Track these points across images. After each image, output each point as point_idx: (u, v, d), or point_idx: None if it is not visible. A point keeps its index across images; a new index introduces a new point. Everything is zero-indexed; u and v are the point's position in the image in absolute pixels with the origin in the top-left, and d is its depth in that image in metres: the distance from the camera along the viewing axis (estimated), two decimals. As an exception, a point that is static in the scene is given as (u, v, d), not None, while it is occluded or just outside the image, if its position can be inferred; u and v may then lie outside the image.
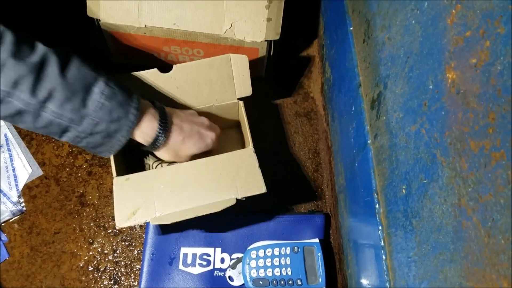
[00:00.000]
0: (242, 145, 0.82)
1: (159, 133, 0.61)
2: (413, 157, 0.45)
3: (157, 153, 0.66)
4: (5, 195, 0.77)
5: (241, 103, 0.73)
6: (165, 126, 0.62)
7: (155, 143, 0.62)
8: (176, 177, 0.65)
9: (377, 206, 0.53)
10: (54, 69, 0.53)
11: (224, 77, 0.70)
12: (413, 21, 0.45)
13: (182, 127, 0.65)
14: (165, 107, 0.64)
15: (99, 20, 0.74)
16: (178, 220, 0.62)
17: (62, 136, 0.56)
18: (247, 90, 0.72)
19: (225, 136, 0.83)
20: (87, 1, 0.73)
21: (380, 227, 0.53)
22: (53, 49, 0.55)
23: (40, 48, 0.53)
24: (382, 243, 0.52)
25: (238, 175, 0.66)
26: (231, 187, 0.65)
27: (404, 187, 0.47)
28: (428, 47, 0.42)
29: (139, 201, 0.64)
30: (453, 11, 0.37)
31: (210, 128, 0.69)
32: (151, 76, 0.67)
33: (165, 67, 0.70)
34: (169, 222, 0.62)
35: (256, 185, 0.65)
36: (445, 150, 0.39)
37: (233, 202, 0.64)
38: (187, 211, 0.63)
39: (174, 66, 0.67)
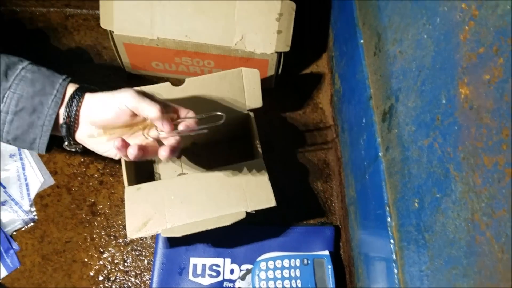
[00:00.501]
0: (252, 156, 0.82)
1: (73, 95, 0.54)
2: (426, 171, 0.45)
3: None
4: (17, 203, 0.78)
5: (251, 114, 0.74)
6: (82, 90, 0.55)
7: (69, 111, 0.53)
8: (186, 188, 0.66)
9: (389, 219, 0.53)
10: None
11: (235, 89, 0.71)
12: (425, 36, 0.46)
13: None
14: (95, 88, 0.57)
15: (112, 32, 0.75)
16: (189, 233, 0.62)
17: None
18: (258, 102, 0.73)
19: (234, 147, 0.84)
20: (100, 13, 0.74)
21: (392, 241, 0.52)
22: None
23: None
24: (394, 257, 0.52)
25: (248, 188, 0.66)
26: (241, 200, 0.65)
27: (416, 200, 0.47)
28: (441, 62, 0.43)
29: (150, 211, 0.64)
30: (466, 27, 0.38)
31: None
32: (163, 89, 0.68)
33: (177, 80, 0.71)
34: (179, 235, 0.62)
35: (266, 199, 0.65)
36: (458, 165, 0.39)
37: (243, 215, 0.64)
38: (198, 223, 0.64)
39: (187, 79, 0.68)
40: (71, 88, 0.54)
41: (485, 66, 0.35)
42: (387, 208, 0.54)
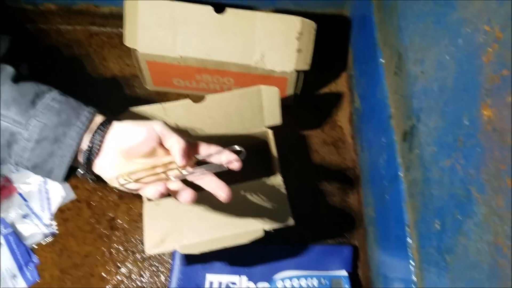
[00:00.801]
0: (269, 173, 0.82)
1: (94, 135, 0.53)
2: (448, 192, 0.45)
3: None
4: (38, 217, 0.79)
5: (270, 131, 0.74)
6: (108, 122, 0.54)
7: (92, 142, 0.52)
8: (204, 205, 0.66)
9: (409, 240, 0.53)
10: (6, 76, 0.52)
11: (254, 107, 0.71)
12: (447, 57, 0.46)
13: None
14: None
15: (136, 50, 0.77)
16: (206, 250, 0.62)
17: (11, 152, 0.51)
18: (276, 120, 0.73)
19: (252, 163, 0.84)
20: (124, 32, 0.76)
21: (412, 262, 0.52)
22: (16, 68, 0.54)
23: (5, 64, 0.53)
24: (414, 279, 0.51)
25: (266, 205, 0.66)
26: (259, 218, 0.65)
27: (437, 222, 0.46)
28: (463, 83, 0.43)
29: (168, 227, 0.65)
30: (489, 49, 0.38)
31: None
32: (184, 105, 0.69)
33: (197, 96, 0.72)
34: (197, 252, 0.63)
35: (284, 218, 0.65)
36: (481, 187, 0.39)
37: (261, 234, 0.64)
38: (215, 241, 0.64)
39: (207, 96, 0.69)
40: (98, 119, 0.54)
41: (509, 88, 0.35)
42: (408, 229, 0.54)
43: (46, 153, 0.52)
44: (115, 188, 0.54)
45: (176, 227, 0.65)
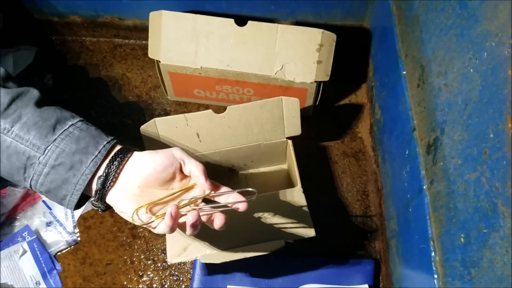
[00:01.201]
0: (289, 184, 0.82)
1: (109, 167, 0.52)
2: (473, 206, 0.44)
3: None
4: (61, 225, 0.81)
5: (290, 142, 0.75)
6: (120, 160, 0.53)
7: (108, 171, 0.52)
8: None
9: (433, 254, 0.52)
10: (31, 99, 0.52)
11: (275, 117, 0.72)
12: (471, 70, 0.46)
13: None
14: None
15: (159, 61, 0.78)
16: (227, 260, 0.62)
17: (26, 176, 0.51)
18: (296, 130, 0.74)
19: (273, 173, 0.85)
20: (149, 44, 0.77)
21: (435, 276, 0.51)
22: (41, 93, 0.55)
23: (30, 87, 0.54)
24: (438, 293, 0.50)
25: (287, 216, 0.66)
26: (280, 229, 0.65)
27: (462, 235, 0.46)
28: (488, 96, 0.42)
29: (190, 237, 0.65)
30: (516, 62, 0.38)
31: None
32: (206, 116, 0.70)
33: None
34: (218, 261, 0.63)
35: (305, 229, 0.65)
36: (507, 200, 0.38)
37: (282, 244, 0.64)
38: (236, 251, 0.64)
39: (228, 107, 0.70)
40: (117, 149, 0.54)
41: (537, 102, 0.35)
42: (431, 242, 0.53)
43: (61, 179, 0.51)
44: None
45: (198, 236, 0.65)
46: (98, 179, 0.52)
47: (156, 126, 0.69)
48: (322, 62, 0.77)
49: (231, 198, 0.55)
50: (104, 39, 0.98)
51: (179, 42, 0.77)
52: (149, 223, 0.53)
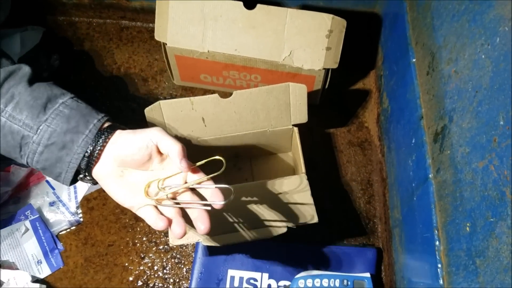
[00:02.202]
0: (294, 171, 0.82)
1: (100, 134, 0.53)
2: (480, 194, 0.43)
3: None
4: (64, 205, 0.81)
5: (296, 129, 0.74)
6: (111, 128, 0.54)
7: (93, 150, 0.53)
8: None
9: (437, 243, 0.52)
10: (23, 77, 0.53)
11: (281, 104, 0.71)
12: (483, 56, 0.45)
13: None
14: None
15: (166, 44, 0.77)
16: (229, 243, 0.62)
17: (22, 154, 0.53)
18: (303, 118, 0.73)
19: (278, 161, 0.84)
20: (155, 26, 0.77)
21: (439, 265, 0.51)
22: (33, 69, 0.55)
23: (22, 64, 0.55)
24: (441, 282, 0.50)
25: (290, 202, 0.66)
26: (283, 214, 0.65)
27: (468, 224, 0.45)
28: (499, 82, 0.41)
29: None
30: (530, 47, 0.37)
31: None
32: (212, 100, 0.69)
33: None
34: (219, 244, 0.63)
35: (308, 215, 0.65)
36: (515, 189, 0.38)
37: (284, 230, 0.64)
38: (238, 235, 0.64)
39: (234, 92, 0.69)
40: (105, 126, 0.55)
41: (550, 87, 0.34)
42: (436, 231, 0.52)
43: (54, 158, 0.52)
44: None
45: None
46: (83, 158, 0.53)
47: (161, 109, 0.69)
48: (331, 49, 0.76)
49: (208, 193, 0.54)
50: (110, 21, 0.97)
51: (186, 25, 0.76)
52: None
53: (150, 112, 0.68)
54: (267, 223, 0.65)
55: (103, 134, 0.53)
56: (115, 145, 0.53)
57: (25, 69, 0.55)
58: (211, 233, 0.64)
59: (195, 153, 0.77)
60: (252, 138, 0.76)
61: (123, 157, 0.53)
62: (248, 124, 0.73)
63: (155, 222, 0.51)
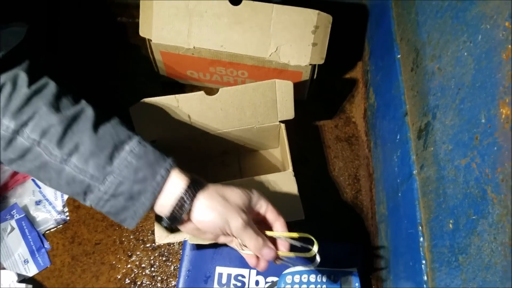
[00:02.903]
0: (282, 168, 0.82)
1: (182, 202, 0.52)
2: (462, 192, 0.44)
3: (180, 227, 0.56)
4: (50, 204, 0.80)
5: (283, 125, 0.74)
6: (192, 194, 0.52)
7: (175, 215, 0.52)
8: None
9: (421, 239, 0.52)
10: (86, 123, 0.50)
11: (268, 100, 0.71)
12: (465, 53, 0.45)
13: (212, 199, 0.54)
14: (203, 180, 0.55)
15: (150, 40, 0.77)
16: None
17: (86, 198, 0.52)
18: (290, 114, 0.73)
19: (265, 157, 0.84)
20: (140, 22, 0.76)
21: (423, 261, 0.51)
22: (93, 106, 0.52)
23: (81, 103, 0.52)
24: (425, 278, 0.50)
25: (277, 199, 0.66)
26: None
27: (451, 221, 0.46)
28: (481, 80, 0.42)
29: None
30: (509, 46, 0.37)
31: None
32: (197, 97, 0.69)
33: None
34: (206, 242, 0.62)
35: (294, 211, 0.65)
36: (496, 187, 0.38)
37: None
38: None
39: (220, 89, 0.69)
40: (175, 178, 0.53)
41: (529, 86, 0.34)
42: (420, 227, 0.53)
43: (120, 206, 0.52)
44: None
45: None
46: (165, 218, 0.53)
47: (146, 107, 0.68)
48: (317, 44, 0.75)
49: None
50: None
51: (171, 21, 0.75)
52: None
53: (134, 110, 0.68)
54: None
55: (186, 199, 0.52)
56: (199, 216, 0.53)
57: (89, 112, 0.52)
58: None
59: (182, 150, 0.77)
60: (239, 135, 0.76)
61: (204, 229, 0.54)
62: (235, 121, 0.73)
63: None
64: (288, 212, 0.65)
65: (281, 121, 0.74)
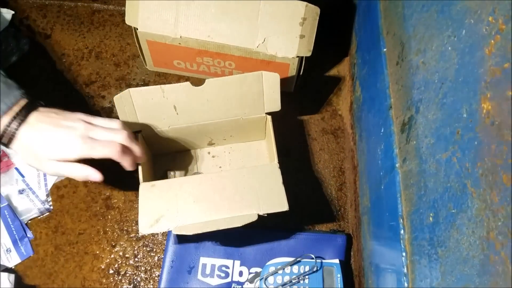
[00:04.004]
0: (268, 159, 0.82)
1: (9, 123, 0.56)
2: (443, 185, 0.44)
3: (14, 151, 0.61)
4: (34, 193, 0.79)
5: (269, 117, 0.74)
6: (21, 117, 0.57)
7: (4, 136, 0.56)
8: (200, 188, 0.66)
9: (402, 231, 0.53)
10: None
11: (254, 92, 0.71)
12: (449, 48, 0.45)
13: (42, 121, 0.58)
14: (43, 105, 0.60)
15: (137, 29, 0.76)
16: (199, 232, 0.62)
17: None
18: (276, 106, 0.73)
19: (252, 149, 0.84)
20: (126, 10, 0.75)
21: (404, 254, 0.52)
22: None
23: None
24: (405, 270, 0.51)
25: (261, 190, 0.66)
26: (254, 202, 0.65)
27: (431, 214, 0.46)
28: (464, 75, 0.42)
29: (163, 208, 0.64)
30: (492, 41, 0.37)
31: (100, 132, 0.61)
32: (183, 88, 0.68)
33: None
34: (190, 233, 0.63)
35: (278, 202, 0.65)
36: (476, 181, 0.38)
37: (255, 218, 0.64)
38: (209, 223, 0.64)
39: (206, 80, 0.68)
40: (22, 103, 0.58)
41: (509, 82, 0.34)
42: (401, 220, 0.53)
43: None
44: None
45: (171, 208, 0.65)
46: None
47: (131, 97, 0.68)
48: (305, 36, 0.75)
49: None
50: (82, 4, 0.95)
51: (158, 9, 0.75)
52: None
53: (119, 99, 0.67)
54: (238, 211, 0.65)
55: (16, 117, 0.56)
56: (31, 141, 0.58)
57: None
58: (181, 222, 0.64)
59: (168, 141, 0.76)
60: (225, 126, 0.75)
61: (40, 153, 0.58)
62: (221, 112, 0.72)
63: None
64: (272, 203, 0.65)
65: (268, 113, 0.74)
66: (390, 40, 0.63)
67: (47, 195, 0.79)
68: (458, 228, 0.41)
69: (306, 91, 0.90)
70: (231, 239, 0.74)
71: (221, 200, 0.65)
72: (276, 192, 0.66)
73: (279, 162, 0.69)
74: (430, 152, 0.47)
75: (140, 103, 0.68)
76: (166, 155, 0.82)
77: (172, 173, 0.80)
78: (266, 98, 0.72)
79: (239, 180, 0.67)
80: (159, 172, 0.80)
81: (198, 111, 0.71)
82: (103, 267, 0.75)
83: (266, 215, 0.64)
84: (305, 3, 0.73)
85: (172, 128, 0.72)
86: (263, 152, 0.83)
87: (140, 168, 0.68)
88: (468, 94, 0.41)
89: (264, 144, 0.84)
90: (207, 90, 0.69)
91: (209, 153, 0.83)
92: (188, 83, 0.68)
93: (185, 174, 0.81)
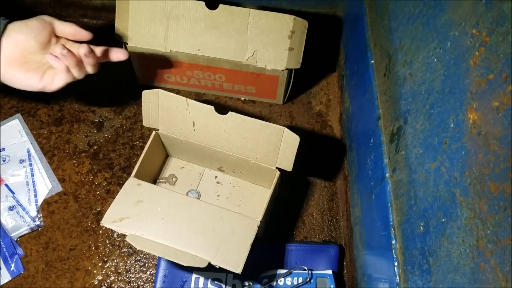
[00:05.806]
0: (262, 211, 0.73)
1: None
2: (432, 195, 0.45)
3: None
4: (24, 209, 0.79)
5: (278, 173, 0.70)
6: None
7: None
8: (177, 209, 0.65)
9: (393, 241, 0.53)
10: None
11: (271, 143, 0.68)
12: (435, 59, 0.46)
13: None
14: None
15: (126, 43, 0.76)
16: (147, 251, 0.61)
17: None
18: (288, 166, 0.69)
19: (255, 193, 0.81)
20: (115, 24, 0.75)
21: (396, 263, 0.52)
22: None
23: None
24: (398, 280, 0.51)
25: (227, 241, 0.63)
26: (212, 249, 0.62)
27: (422, 224, 0.47)
28: (450, 86, 0.43)
29: (133, 212, 0.64)
30: (476, 53, 0.38)
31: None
32: (206, 110, 0.67)
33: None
34: (138, 248, 0.61)
35: (235, 262, 0.61)
36: (464, 190, 0.39)
37: (204, 265, 0.61)
38: (160, 247, 0.61)
39: (230, 112, 0.66)
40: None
41: (494, 92, 0.35)
42: (392, 230, 0.54)
43: None
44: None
45: (139, 214, 0.63)
46: None
47: (159, 97, 0.68)
48: (294, 49, 0.76)
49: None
50: (71, 19, 0.94)
51: (147, 24, 0.75)
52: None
53: (146, 94, 0.68)
54: (194, 250, 0.62)
55: None
56: (15, 34, 0.62)
57: None
58: (140, 232, 0.62)
59: (181, 149, 0.76)
60: (236, 161, 0.73)
61: (26, 41, 0.62)
62: (235, 148, 0.70)
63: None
64: (230, 259, 0.62)
65: (278, 168, 0.70)
66: (377, 52, 0.64)
67: (38, 211, 0.79)
68: (449, 237, 0.41)
69: (296, 103, 0.91)
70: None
71: (186, 230, 0.63)
72: (239, 250, 0.62)
73: (257, 226, 0.65)
74: (419, 161, 0.48)
75: (165, 105, 0.69)
76: (178, 160, 0.83)
77: (174, 179, 0.81)
78: (281, 154, 0.69)
79: (214, 220, 0.64)
80: (157, 176, 0.81)
81: (214, 136, 0.70)
82: (95, 283, 0.75)
83: (217, 267, 0.61)
84: (293, 16, 0.74)
85: (186, 140, 0.72)
86: (264, 202, 0.72)
87: (138, 162, 0.69)
88: (454, 105, 0.41)
89: (268, 195, 0.73)
90: (227, 121, 0.68)
91: (216, 177, 0.82)
92: (212, 107, 0.67)
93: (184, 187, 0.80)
